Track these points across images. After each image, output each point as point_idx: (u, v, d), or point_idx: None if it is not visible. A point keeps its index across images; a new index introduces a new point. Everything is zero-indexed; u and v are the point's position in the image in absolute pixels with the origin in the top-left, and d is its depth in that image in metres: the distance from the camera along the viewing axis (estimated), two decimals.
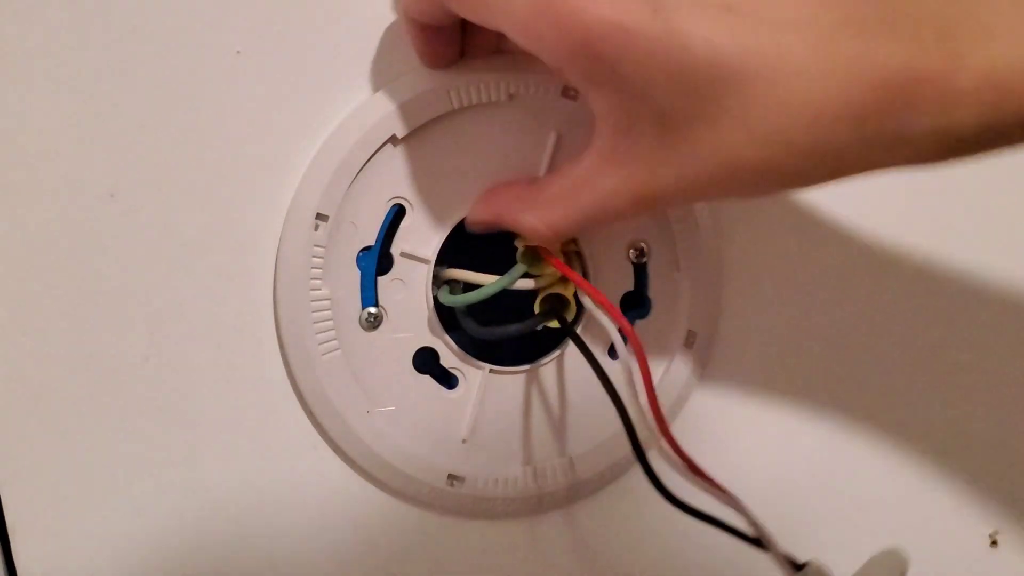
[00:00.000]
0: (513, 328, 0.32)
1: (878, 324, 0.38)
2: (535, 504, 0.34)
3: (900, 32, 0.22)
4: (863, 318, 0.38)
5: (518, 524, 0.35)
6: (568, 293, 0.32)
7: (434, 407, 0.33)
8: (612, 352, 0.34)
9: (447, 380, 0.33)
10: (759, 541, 0.29)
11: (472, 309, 0.33)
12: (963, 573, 0.40)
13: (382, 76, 0.32)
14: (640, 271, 0.35)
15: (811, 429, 0.37)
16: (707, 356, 0.36)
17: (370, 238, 0.32)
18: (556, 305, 0.32)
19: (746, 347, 0.37)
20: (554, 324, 0.33)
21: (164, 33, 0.30)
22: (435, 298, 0.32)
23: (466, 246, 0.33)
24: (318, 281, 0.31)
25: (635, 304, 0.35)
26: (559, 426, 0.34)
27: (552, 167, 0.33)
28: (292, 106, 0.31)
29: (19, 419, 0.30)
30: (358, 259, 0.32)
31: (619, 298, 0.34)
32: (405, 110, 0.31)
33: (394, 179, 0.32)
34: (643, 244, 0.34)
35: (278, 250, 0.31)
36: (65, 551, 0.31)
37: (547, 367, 0.34)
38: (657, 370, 0.35)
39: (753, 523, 0.29)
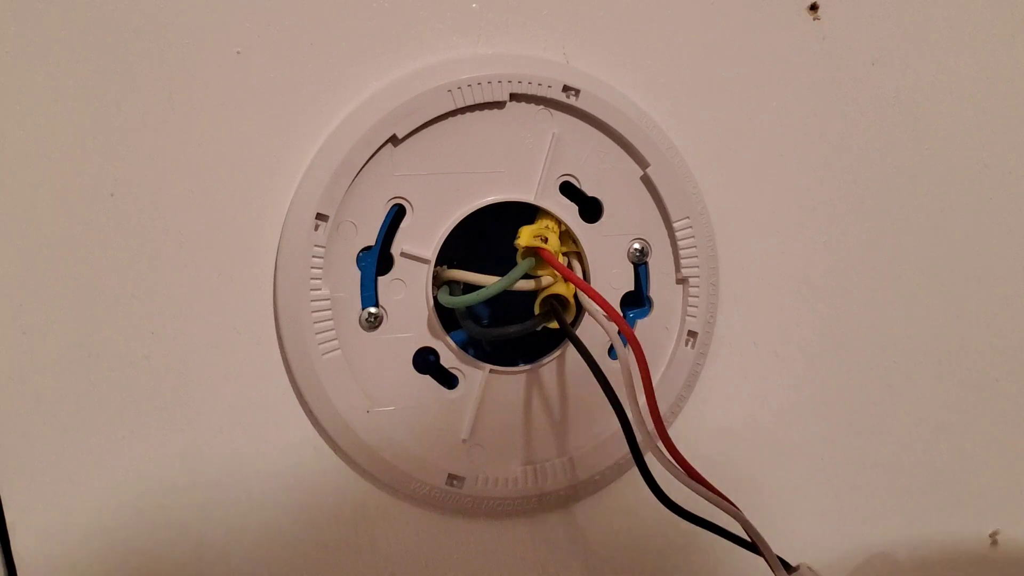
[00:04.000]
0: (513, 329, 0.32)
1: (876, 323, 0.38)
2: (535, 504, 0.34)
3: None
4: (861, 317, 0.38)
5: (518, 524, 0.35)
6: (568, 294, 0.32)
7: (434, 407, 0.33)
8: (612, 352, 0.34)
9: (447, 380, 0.33)
10: (753, 544, 0.29)
11: (472, 309, 0.32)
12: (963, 573, 0.40)
13: (382, 76, 0.32)
14: (640, 271, 0.35)
15: (809, 429, 0.37)
16: (707, 356, 0.36)
17: (370, 238, 0.32)
18: (556, 306, 0.32)
19: (746, 347, 0.36)
20: (554, 325, 0.33)
21: (164, 33, 0.30)
22: (435, 298, 0.32)
23: (466, 246, 0.33)
24: (318, 281, 0.31)
25: (635, 304, 0.35)
26: (559, 426, 0.34)
27: (551, 167, 0.32)
28: (292, 106, 0.31)
29: (19, 418, 0.30)
30: (358, 259, 0.32)
31: (619, 298, 0.34)
32: (405, 110, 0.31)
33: (394, 179, 0.32)
34: (643, 244, 0.34)
35: (278, 250, 0.31)
36: (65, 551, 0.31)
37: (547, 367, 0.34)
38: (657, 370, 0.35)
39: (748, 528, 0.29)
